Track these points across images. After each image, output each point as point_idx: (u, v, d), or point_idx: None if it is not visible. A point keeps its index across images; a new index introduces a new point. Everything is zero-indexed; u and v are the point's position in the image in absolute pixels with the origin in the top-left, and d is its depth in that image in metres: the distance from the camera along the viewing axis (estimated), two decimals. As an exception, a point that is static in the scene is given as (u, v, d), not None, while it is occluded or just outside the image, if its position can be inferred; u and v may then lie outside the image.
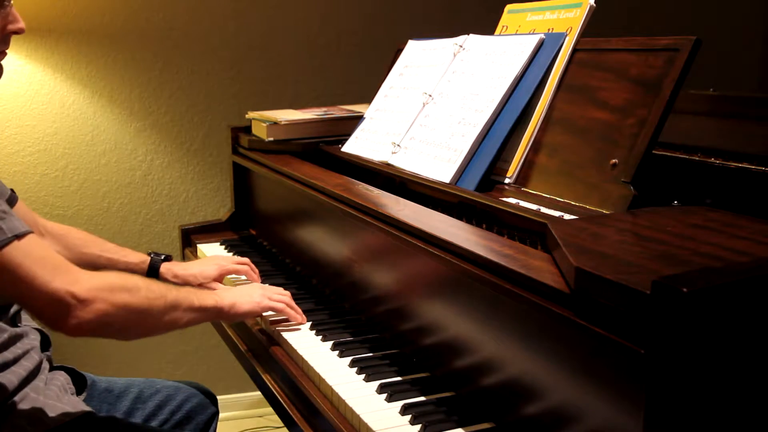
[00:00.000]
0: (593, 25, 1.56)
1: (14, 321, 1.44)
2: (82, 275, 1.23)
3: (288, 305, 1.55)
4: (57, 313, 1.20)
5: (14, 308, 1.44)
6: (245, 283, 1.82)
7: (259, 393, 1.57)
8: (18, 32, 1.37)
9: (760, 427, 0.88)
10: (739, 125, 1.73)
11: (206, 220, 2.64)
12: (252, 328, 1.64)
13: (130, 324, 1.29)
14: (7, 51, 1.39)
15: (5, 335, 1.38)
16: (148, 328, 1.34)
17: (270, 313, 1.58)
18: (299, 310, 1.57)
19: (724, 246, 0.99)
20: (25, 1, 2.59)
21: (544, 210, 1.36)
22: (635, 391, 0.85)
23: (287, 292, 1.60)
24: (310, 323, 1.56)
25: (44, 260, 1.20)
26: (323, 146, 2.06)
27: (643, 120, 1.30)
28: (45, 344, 1.52)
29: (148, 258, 1.78)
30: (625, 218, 1.19)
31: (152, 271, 1.76)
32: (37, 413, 1.35)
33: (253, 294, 1.53)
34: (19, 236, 1.19)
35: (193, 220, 2.83)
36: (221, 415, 1.82)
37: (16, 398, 1.35)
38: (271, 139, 2.12)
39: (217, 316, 1.47)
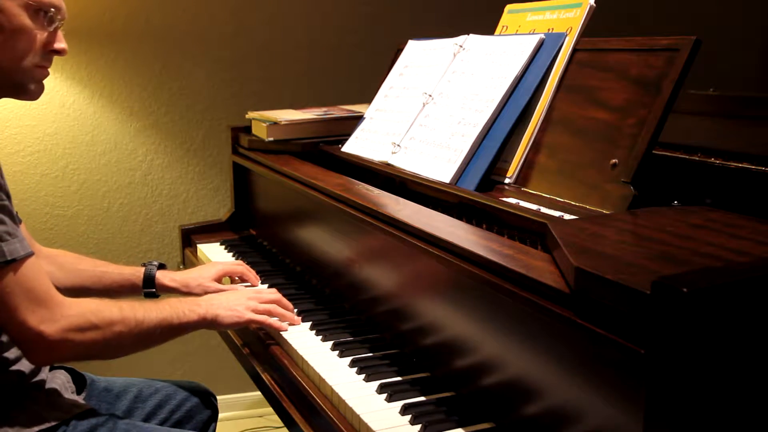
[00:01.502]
0: (593, 25, 1.56)
1: None
2: (58, 312, 1.26)
3: (273, 313, 1.53)
4: (25, 347, 1.28)
5: None
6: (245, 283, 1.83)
7: (259, 393, 1.57)
8: (60, 53, 1.41)
9: (760, 427, 0.88)
10: (739, 125, 1.73)
11: (206, 220, 2.64)
12: (251, 327, 1.64)
13: (97, 356, 1.36)
14: (49, 70, 1.42)
15: (5, 337, 1.39)
16: (119, 354, 1.39)
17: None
18: (288, 314, 1.55)
19: (724, 246, 0.99)
20: None
21: (544, 210, 1.36)
22: (635, 391, 0.85)
23: (277, 297, 1.58)
24: (310, 323, 1.56)
25: (31, 291, 1.24)
26: (323, 146, 2.06)
27: (643, 120, 1.30)
28: None
29: (142, 268, 1.76)
30: (625, 218, 1.19)
31: (148, 280, 1.75)
32: (37, 410, 1.36)
33: (239, 305, 1.51)
34: (16, 260, 1.23)
35: (193, 220, 2.83)
36: (221, 415, 1.82)
37: (17, 396, 1.35)
38: (271, 139, 2.12)
39: (201, 327, 1.49)
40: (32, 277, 1.25)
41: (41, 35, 1.37)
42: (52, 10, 1.37)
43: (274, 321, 1.54)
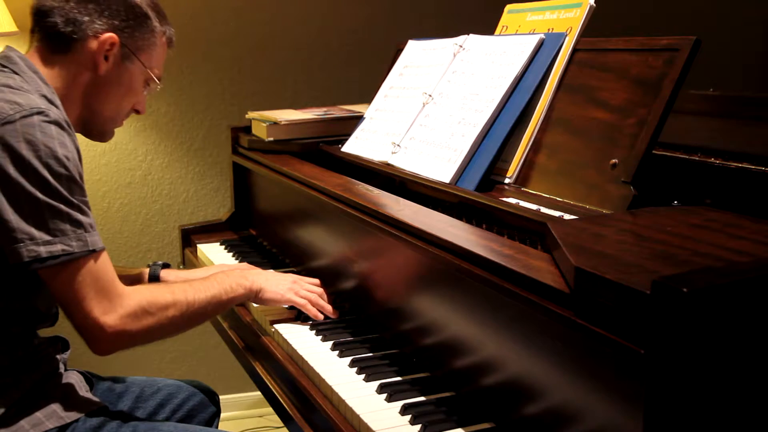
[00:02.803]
0: (593, 25, 1.56)
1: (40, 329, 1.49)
2: (117, 302, 1.32)
3: (313, 302, 1.59)
4: (87, 337, 1.33)
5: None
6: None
7: (259, 393, 1.58)
8: (139, 113, 1.60)
9: (760, 427, 0.88)
10: (739, 125, 1.73)
11: (206, 220, 2.64)
12: (251, 326, 1.64)
13: (153, 339, 1.41)
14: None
15: (36, 341, 1.43)
16: (175, 334, 1.45)
17: (271, 312, 1.58)
18: (327, 307, 1.60)
19: (724, 246, 0.99)
20: (26, 1, 2.59)
21: (544, 210, 1.36)
22: (635, 391, 0.85)
23: (319, 290, 1.63)
24: (310, 323, 1.57)
25: (99, 281, 1.30)
26: (323, 146, 2.06)
27: (643, 120, 1.30)
28: (64, 347, 1.54)
29: (147, 269, 1.80)
30: (625, 218, 1.19)
31: (153, 280, 1.77)
32: (54, 408, 1.38)
33: (282, 284, 1.59)
34: (96, 251, 1.30)
35: (193, 220, 2.83)
36: (221, 414, 1.82)
37: (35, 395, 1.37)
38: (271, 139, 2.12)
39: (246, 300, 1.58)
40: (104, 269, 1.31)
41: (139, 97, 1.56)
42: (157, 82, 1.58)
43: (311, 308, 1.58)
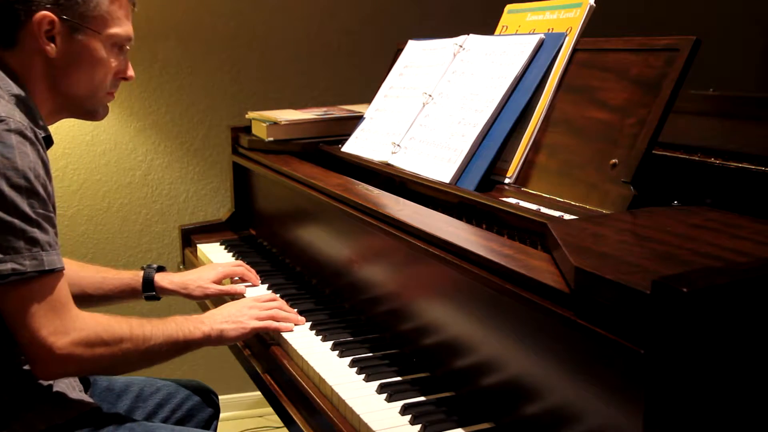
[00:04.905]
0: (593, 25, 1.56)
1: None
2: (71, 325, 1.26)
3: (277, 318, 1.54)
4: (32, 357, 1.27)
5: None
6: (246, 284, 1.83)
7: (259, 393, 1.57)
8: (128, 79, 1.53)
9: (760, 427, 0.88)
10: (739, 125, 1.73)
11: (206, 220, 2.64)
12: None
13: (103, 371, 1.37)
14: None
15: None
16: (124, 371, 1.41)
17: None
18: (292, 317, 1.55)
19: (724, 246, 0.99)
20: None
21: (544, 210, 1.36)
22: (635, 391, 0.85)
23: (276, 302, 1.58)
24: (310, 323, 1.56)
25: (52, 302, 1.24)
26: (323, 146, 2.06)
27: (643, 120, 1.30)
28: None
29: (141, 272, 1.77)
30: (625, 218, 1.19)
31: (147, 283, 1.75)
32: (46, 409, 1.36)
33: (242, 316, 1.51)
34: (54, 271, 1.25)
35: (193, 220, 2.83)
36: (221, 414, 1.82)
37: (25, 395, 1.36)
38: (271, 139, 2.12)
39: (207, 344, 1.48)
40: (58, 288, 1.26)
41: (114, 64, 1.46)
42: (124, 44, 1.48)
43: (278, 324, 1.53)
